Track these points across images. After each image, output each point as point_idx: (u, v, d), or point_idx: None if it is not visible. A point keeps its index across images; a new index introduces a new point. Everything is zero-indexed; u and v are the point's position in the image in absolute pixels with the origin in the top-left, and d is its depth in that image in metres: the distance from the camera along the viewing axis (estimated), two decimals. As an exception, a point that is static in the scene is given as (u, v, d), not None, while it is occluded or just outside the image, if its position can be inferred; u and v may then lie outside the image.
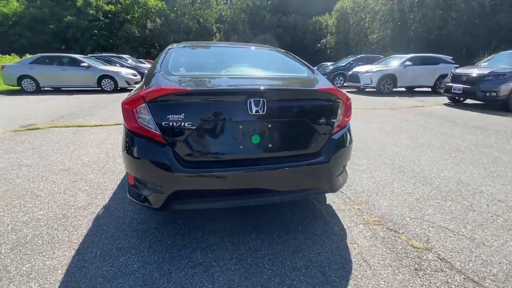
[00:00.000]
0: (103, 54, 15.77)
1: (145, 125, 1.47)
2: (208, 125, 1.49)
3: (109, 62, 12.10)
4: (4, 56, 16.65)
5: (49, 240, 1.79)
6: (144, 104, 1.46)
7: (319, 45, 35.07)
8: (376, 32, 25.87)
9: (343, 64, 14.08)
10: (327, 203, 2.32)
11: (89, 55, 15.00)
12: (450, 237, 1.87)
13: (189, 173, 1.44)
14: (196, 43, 2.67)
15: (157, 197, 1.51)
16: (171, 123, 1.44)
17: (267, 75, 2.09)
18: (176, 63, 1.99)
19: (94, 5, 26.51)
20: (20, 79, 9.69)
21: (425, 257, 1.67)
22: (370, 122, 5.46)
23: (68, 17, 25.44)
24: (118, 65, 12.39)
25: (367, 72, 10.58)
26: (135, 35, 28.43)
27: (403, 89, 11.45)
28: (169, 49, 2.29)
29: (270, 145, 1.60)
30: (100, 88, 10.12)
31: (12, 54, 18.20)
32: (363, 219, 2.08)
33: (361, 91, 11.40)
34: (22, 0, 26.04)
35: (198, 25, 30.87)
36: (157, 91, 1.44)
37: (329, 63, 17.07)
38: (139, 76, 11.15)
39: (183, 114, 1.43)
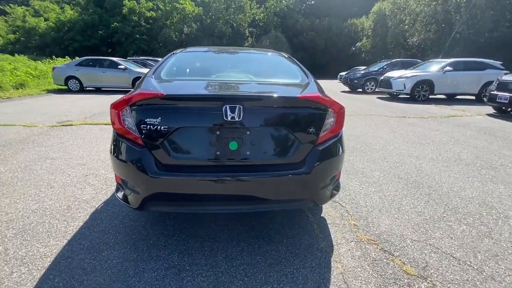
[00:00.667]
0: (141, 57, 16.91)
1: (128, 128, 1.53)
2: (185, 129, 1.51)
3: (144, 65, 12.93)
4: (58, 58, 18.68)
5: (48, 228, 1.94)
6: (127, 107, 1.52)
7: (353, 48, 33.85)
8: (417, 35, 24.24)
9: (376, 69, 13.38)
10: (321, 215, 2.21)
11: (128, 58, 16.17)
12: (453, 266, 1.65)
13: (164, 176, 1.47)
14: (200, 48, 2.73)
15: (135, 197, 1.56)
16: (149, 127, 1.48)
17: (254, 81, 2.06)
18: (171, 68, 2.05)
19: (137, 12, 28.59)
20: (67, 79, 10.77)
21: (416, 286, 1.50)
22: (394, 131, 5.10)
23: (115, 23, 27.79)
24: (152, 67, 13.16)
25: (400, 77, 9.92)
26: (173, 39, 30.03)
27: (443, 96, 10.54)
28: (172, 54, 2.37)
29: (248, 152, 1.56)
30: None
31: (66, 56, 20.39)
32: (357, 236, 1.93)
33: (393, 97, 10.73)
34: (76, 8, 29.13)
35: (231, 30, 31.65)
36: (138, 96, 1.50)
37: (361, 68, 16.34)
38: None
39: (161, 118, 1.46)
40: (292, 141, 1.60)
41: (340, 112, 1.75)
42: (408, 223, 2.11)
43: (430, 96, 9.76)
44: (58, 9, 29.27)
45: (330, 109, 1.68)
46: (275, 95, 1.58)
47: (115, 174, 1.72)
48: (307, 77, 2.09)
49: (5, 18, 30.44)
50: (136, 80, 10.89)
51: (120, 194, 1.68)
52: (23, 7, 31.10)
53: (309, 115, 1.63)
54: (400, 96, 10.59)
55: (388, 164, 3.41)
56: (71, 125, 5.10)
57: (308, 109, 1.63)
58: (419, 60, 13.61)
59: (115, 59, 11.50)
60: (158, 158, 1.51)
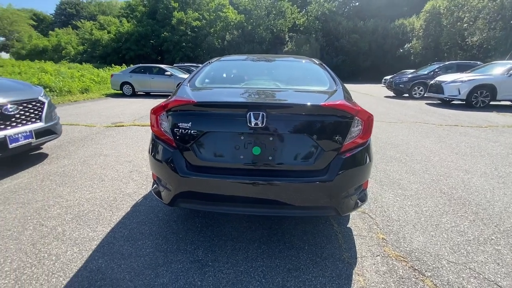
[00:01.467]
0: (186, 64, 18.11)
1: (164, 131, 1.70)
2: (212, 134, 1.62)
3: (188, 71, 13.81)
4: (115, 66, 20.99)
5: (97, 216, 2.23)
6: (164, 112, 1.69)
7: (401, 50, 31.59)
8: (478, 33, 21.68)
9: (425, 72, 12.31)
10: (348, 225, 2.14)
11: (174, 64, 17.45)
12: (496, 295, 1.47)
13: (192, 176, 1.60)
14: (234, 57, 2.86)
15: (167, 194, 1.72)
16: (182, 130, 1.62)
17: (281, 88, 2.10)
18: (204, 76, 2.21)
19: (185, 22, 30.74)
20: (122, 85, 12.05)
21: (447, 311, 1.37)
22: (441, 141, 4.66)
23: (165, 33, 30.30)
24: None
25: (454, 81, 8.99)
26: (215, 46, 31.55)
27: (508, 103, 9.27)
28: (207, 63, 2.55)
29: (270, 157, 1.61)
30: (178, 93, 11.67)
31: (123, 64, 22.82)
32: (384, 251, 1.84)
33: (445, 103, 9.76)
34: (133, 21, 32.47)
35: (271, 35, 32.05)
36: (173, 102, 1.66)
37: (409, 71, 15.17)
38: None
39: (191, 123, 1.60)
40: (315, 148, 1.61)
41: (367, 120, 1.70)
42: (446, 242, 1.93)
43: (492, 103, 8.65)
44: (118, 23, 32.95)
45: (356, 117, 1.65)
46: (298, 103, 1.61)
47: (152, 172, 1.91)
48: (336, 84, 2.07)
49: (76, 32, 35.28)
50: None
51: (155, 190, 1.87)
52: (91, 21, 35.75)
53: (333, 123, 1.63)
54: (453, 102, 9.59)
55: (430, 176, 3.14)
56: (122, 125, 5.71)
57: (332, 116, 1.62)
58: (479, 62, 12.15)
59: (163, 66, 12.52)
60: (188, 160, 1.65)
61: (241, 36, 32.16)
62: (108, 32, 31.77)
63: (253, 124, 1.52)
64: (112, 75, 12.53)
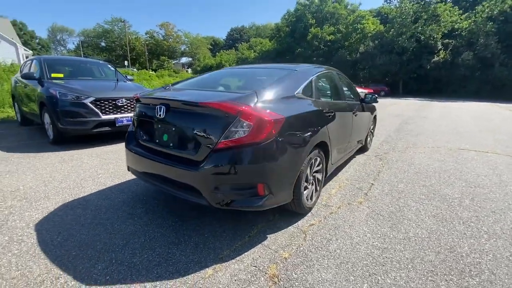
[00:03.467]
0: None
1: (132, 117, 2.50)
2: (144, 121, 2.24)
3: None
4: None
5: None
6: (135, 103, 2.48)
7: None
8: None
9: None
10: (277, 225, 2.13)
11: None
12: None
13: (132, 151, 2.29)
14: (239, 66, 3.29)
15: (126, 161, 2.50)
16: (135, 117, 2.36)
17: (206, 89, 2.43)
18: (189, 80, 2.84)
19: (320, 37, 31.98)
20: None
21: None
22: None
23: (298, 49, 32.83)
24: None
25: None
26: (346, 59, 30.79)
27: None
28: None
29: (171, 144, 2.03)
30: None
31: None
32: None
33: None
34: (274, 41, 37.35)
35: (417, 44, 27.47)
36: (135, 96, 2.41)
37: None
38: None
39: (137, 112, 2.30)
40: (198, 141, 1.89)
41: (258, 123, 1.78)
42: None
43: None
44: (264, 43, 38.90)
45: (240, 118, 1.78)
46: (182, 99, 1.95)
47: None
48: (263, 90, 2.12)
49: (236, 52, 44.51)
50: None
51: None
52: (244, 43, 44.31)
53: (213, 121, 1.84)
54: None
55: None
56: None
57: (212, 115, 1.84)
58: None
59: None
60: (137, 139, 2.35)
61: (378, 46, 29.62)
62: (254, 52, 38.22)
63: (158, 115, 2.02)
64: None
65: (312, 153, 2.32)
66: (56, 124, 4.44)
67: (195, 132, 1.92)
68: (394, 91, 29.83)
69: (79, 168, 3.58)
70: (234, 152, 1.80)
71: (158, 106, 2.07)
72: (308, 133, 2.20)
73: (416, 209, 2.65)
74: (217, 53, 49.39)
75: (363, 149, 4.77)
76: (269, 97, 2.05)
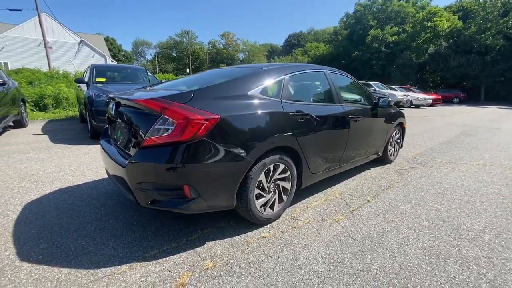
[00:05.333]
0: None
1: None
2: (110, 119, 2.37)
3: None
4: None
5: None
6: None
7: None
8: None
9: None
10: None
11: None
12: None
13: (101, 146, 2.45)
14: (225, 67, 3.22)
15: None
16: (108, 114, 2.53)
17: (161, 89, 2.41)
18: (171, 81, 2.90)
19: (380, 38, 29.38)
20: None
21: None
22: None
23: (355, 52, 30.78)
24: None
25: None
26: (411, 61, 27.48)
27: None
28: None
29: (121, 139, 2.09)
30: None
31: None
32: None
33: None
34: (329, 44, 35.88)
35: (505, 42, 22.72)
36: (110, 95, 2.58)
37: None
38: None
39: (109, 110, 2.46)
40: (134, 137, 1.90)
41: (183, 122, 1.71)
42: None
43: None
44: (321, 46, 37.82)
45: (164, 115, 1.73)
46: (122, 97, 1.98)
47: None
48: (205, 88, 2.04)
49: (293, 57, 44.36)
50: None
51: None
52: (300, 48, 43.83)
53: (143, 117, 1.83)
54: None
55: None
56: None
57: (143, 111, 1.83)
58: None
59: None
60: (107, 133, 2.52)
61: (452, 46, 25.63)
62: (308, 56, 37.39)
63: (111, 112, 2.12)
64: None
65: (267, 159, 2.11)
66: (91, 121, 5.14)
67: (132, 129, 1.96)
68: (473, 98, 25.27)
69: (92, 160, 4.05)
70: (157, 150, 1.76)
71: (112, 104, 2.20)
72: (258, 136, 2.01)
73: (405, 237, 2.14)
74: (271, 59, 50.12)
75: (383, 161, 4.15)
76: (210, 96, 1.94)
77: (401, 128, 4.34)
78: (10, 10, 19.43)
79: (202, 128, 1.75)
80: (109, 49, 50.51)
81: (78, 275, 1.66)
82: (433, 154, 4.88)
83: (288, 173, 2.36)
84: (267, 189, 2.22)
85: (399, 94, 15.58)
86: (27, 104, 7.89)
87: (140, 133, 1.85)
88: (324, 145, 2.68)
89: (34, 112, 8.93)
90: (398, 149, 4.42)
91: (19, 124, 6.53)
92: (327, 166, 2.84)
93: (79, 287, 1.56)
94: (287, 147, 2.27)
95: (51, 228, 2.17)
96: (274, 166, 2.21)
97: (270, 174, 2.21)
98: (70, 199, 2.70)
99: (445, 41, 26.32)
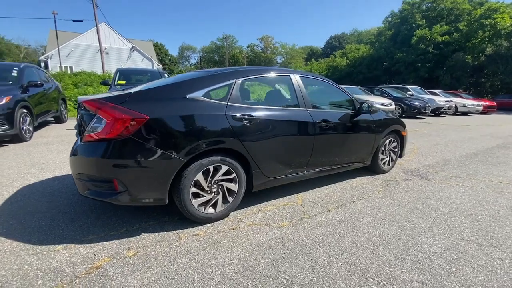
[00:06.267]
0: (392, 86, 16.46)
1: None
2: None
3: (371, 92, 12.91)
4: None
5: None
6: None
7: None
8: None
9: None
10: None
11: (379, 86, 16.51)
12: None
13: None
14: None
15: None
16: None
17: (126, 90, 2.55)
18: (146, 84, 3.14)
19: (428, 39, 26.82)
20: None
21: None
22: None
23: (399, 54, 28.52)
24: (380, 95, 12.82)
25: None
26: (465, 63, 24.53)
27: None
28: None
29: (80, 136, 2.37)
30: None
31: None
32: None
33: None
34: (369, 46, 33.80)
35: None
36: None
37: None
38: (388, 106, 10.92)
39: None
40: (82, 133, 2.15)
41: (111, 121, 1.89)
42: None
43: None
44: (361, 48, 35.98)
45: (98, 115, 1.94)
46: (81, 98, 2.21)
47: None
48: (142, 90, 2.21)
49: (328, 59, 42.97)
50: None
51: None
52: (340, 50, 42.25)
53: (89, 117, 2.05)
54: None
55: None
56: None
57: (89, 112, 2.05)
58: None
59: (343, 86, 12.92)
60: None
61: (517, 46, 22.26)
62: (347, 59, 35.70)
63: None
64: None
65: (205, 159, 2.19)
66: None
67: (82, 126, 2.21)
68: (542, 106, 21.55)
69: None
70: (91, 145, 1.98)
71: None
72: (191, 137, 2.10)
73: (340, 251, 2.02)
74: (308, 62, 49.18)
75: (374, 171, 3.88)
76: (145, 98, 2.10)
77: (398, 136, 4.00)
78: (73, 21, 22.44)
79: (129, 127, 1.91)
80: (157, 54, 54.92)
81: (22, 248, 1.94)
82: (443, 167, 4.38)
83: (234, 175, 2.40)
84: (207, 189, 2.29)
85: (441, 99, 14.07)
86: (70, 103, 9.07)
87: (85, 129, 2.09)
88: (281, 150, 2.65)
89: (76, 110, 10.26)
90: (395, 159, 4.08)
91: (59, 120, 7.57)
92: (289, 171, 2.79)
93: (18, 258, 1.83)
94: (231, 149, 2.32)
95: (26, 208, 2.54)
96: (215, 167, 2.28)
97: (210, 174, 2.28)
98: (57, 186, 3.11)
99: (506, 41, 22.95)
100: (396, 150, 4.03)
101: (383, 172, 3.93)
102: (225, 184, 2.39)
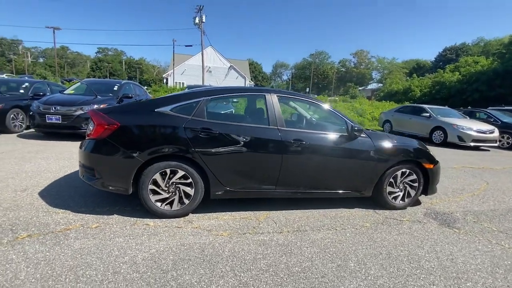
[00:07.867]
0: (506, 108, 12.69)
1: None
2: None
3: (472, 114, 10.35)
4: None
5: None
6: None
7: None
8: None
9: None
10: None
11: (492, 108, 13.03)
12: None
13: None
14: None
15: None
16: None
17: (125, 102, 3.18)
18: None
19: None
20: (384, 122, 12.56)
21: None
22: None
23: (541, 67, 21.45)
24: (486, 119, 10.17)
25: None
26: None
27: None
28: None
29: None
30: (429, 139, 9.72)
31: (460, 108, 20.71)
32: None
33: None
34: (492, 59, 26.66)
35: None
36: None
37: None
38: (488, 134, 8.65)
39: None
40: None
41: (96, 125, 2.60)
42: None
43: None
44: (481, 60, 29.07)
45: (91, 119, 2.68)
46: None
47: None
48: (126, 103, 2.78)
49: (434, 75, 36.47)
50: (436, 129, 9.65)
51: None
52: (452, 64, 35.28)
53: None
54: None
55: None
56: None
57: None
58: None
59: (423, 106, 10.96)
60: None
61: None
62: (459, 74, 29.34)
63: None
64: (381, 113, 13.42)
65: (163, 163, 2.61)
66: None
67: None
68: None
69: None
70: (86, 141, 2.72)
71: None
72: (150, 142, 2.57)
73: (246, 269, 2.01)
74: (408, 78, 43.09)
75: (383, 205, 3.34)
76: (124, 110, 2.72)
77: (419, 168, 3.30)
78: (186, 46, 27.83)
79: (105, 131, 2.56)
80: (252, 71, 60.54)
81: (42, 206, 2.85)
82: (493, 217, 3.29)
83: (190, 180, 2.72)
84: (165, 189, 2.70)
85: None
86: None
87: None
88: (241, 164, 2.79)
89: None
90: (415, 195, 3.37)
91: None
92: (255, 186, 2.88)
93: (36, 212, 2.72)
94: (186, 157, 2.66)
95: (59, 183, 3.61)
96: (172, 170, 2.67)
97: (168, 176, 2.68)
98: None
99: None
100: (415, 184, 3.34)
101: (393, 208, 3.33)
102: (182, 187, 2.74)
